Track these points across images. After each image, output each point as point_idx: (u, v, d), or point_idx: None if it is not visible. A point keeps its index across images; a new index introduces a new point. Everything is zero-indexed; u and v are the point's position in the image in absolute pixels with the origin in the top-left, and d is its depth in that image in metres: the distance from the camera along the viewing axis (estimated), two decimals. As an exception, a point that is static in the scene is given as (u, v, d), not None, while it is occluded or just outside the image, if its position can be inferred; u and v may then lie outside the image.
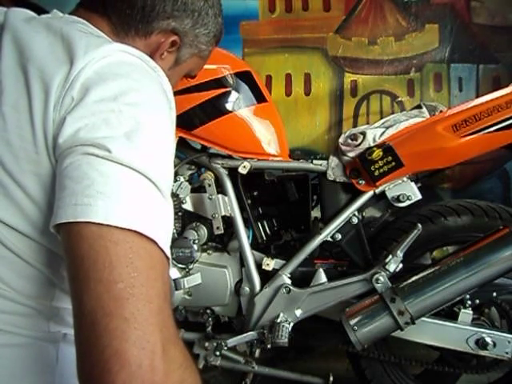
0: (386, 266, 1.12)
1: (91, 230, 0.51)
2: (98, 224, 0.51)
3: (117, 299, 0.49)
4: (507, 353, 1.13)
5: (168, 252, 0.56)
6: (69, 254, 0.53)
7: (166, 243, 0.56)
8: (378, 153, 1.15)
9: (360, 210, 1.24)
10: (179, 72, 0.86)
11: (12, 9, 0.70)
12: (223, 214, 1.26)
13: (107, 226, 0.51)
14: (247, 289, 1.26)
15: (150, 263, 0.53)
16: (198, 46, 0.83)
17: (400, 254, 1.11)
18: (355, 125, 1.86)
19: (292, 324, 1.19)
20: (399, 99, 1.84)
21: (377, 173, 1.15)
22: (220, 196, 1.27)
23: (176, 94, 0.81)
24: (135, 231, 0.52)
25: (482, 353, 1.14)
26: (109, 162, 0.54)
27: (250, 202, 1.31)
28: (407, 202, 1.20)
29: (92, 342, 0.48)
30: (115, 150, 0.54)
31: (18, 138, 0.57)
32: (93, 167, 0.53)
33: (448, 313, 1.18)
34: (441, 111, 1.27)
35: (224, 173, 1.28)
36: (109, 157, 0.54)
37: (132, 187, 0.54)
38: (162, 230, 0.56)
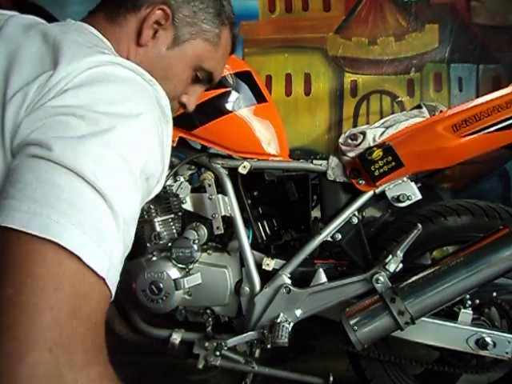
0: (386, 266, 1.12)
1: (9, 233, 0.47)
2: (14, 229, 0.47)
3: (0, 305, 0.45)
4: (507, 353, 1.13)
5: (97, 266, 0.49)
6: None
7: (93, 256, 0.49)
8: (378, 153, 1.15)
9: (360, 209, 1.24)
10: (182, 56, 0.80)
11: (16, 15, 0.70)
12: (223, 214, 1.26)
13: (18, 230, 0.47)
14: (247, 289, 1.26)
15: (52, 272, 0.47)
16: (198, 24, 0.79)
17: (400, 254, 1.11)
18: (355, 125, 1.86)
19: (292, 324, 1.19)
20: (399, 99, 1.84)
21: (377, 173, 1.15)
22: (220, 196, 1.27)
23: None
24: (48, 240, 0.47)
25: (482, 353, 1.14)
26: (47, 163, 0.49)
27: (249, 202, 1.31)
28: (407, 202, 1.20)
29: None
30: (59, 149, 0.49)
31: None
32: (31, 169, 0.49)
33: (448, 313, 1.18)
34: (441, 111, 1.27)
35: (224, 173, 1.28)
36: (49, 156, 0.49)
37: (67, 192, 0.49)
38: (91, 241, 0.49)
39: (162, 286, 1.19)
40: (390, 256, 1.12)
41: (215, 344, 1.25)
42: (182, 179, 1.28)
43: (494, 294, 1.19)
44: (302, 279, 1.24)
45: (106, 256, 0.50)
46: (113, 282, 0.52)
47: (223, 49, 0.87)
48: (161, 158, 0.62)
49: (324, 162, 1.25)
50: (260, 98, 1.30)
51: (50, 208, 0.48)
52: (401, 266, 1.13)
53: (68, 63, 0.56)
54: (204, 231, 1.27)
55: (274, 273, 1.24)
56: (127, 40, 0.75)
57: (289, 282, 1.23)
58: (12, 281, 0.46)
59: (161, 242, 1.24)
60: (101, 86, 0.56)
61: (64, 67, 0.55)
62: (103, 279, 0.50)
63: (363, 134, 1.20)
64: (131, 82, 0.60)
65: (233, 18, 0.87)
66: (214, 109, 1.24)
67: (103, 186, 0.50)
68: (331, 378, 1.28)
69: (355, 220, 1.23)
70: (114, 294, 0.53)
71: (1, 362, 0.43)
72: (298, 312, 1.20)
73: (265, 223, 1.35)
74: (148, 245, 1.25)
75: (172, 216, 1.27)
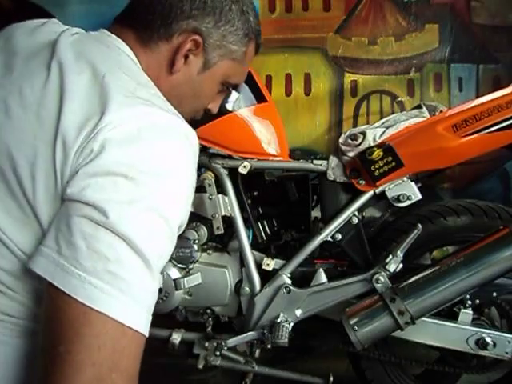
0: (386, 266, 1.12)
1: (55, 291, 0.54)
2: (62, 291, 0.54)
3: (52, 362, 0.52)
4: (507, 353, 1.13)
5: (136, 325, 0.56)
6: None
7: (133, 317, 0.56)
8: (378, 153, 1.15)
9: (360, 210, 1.24)
10: (211, 77, 0.83)
11: (65, 31, 0.72)
12: (223, 214, 1.26)
13: (68, 295, 0.54)
14: (247, 289, 1.26)
15: (97, 332, 0.53)
16: (226, 46, 0.81)
17: (400, 254, 1.11)
18: (355, 125, 1.85)
19: (292, 324, 1.19)
20: (399, 99, 1.84)
21: (377, 173, 1.15)
22: (220, 196, 1.27)
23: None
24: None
25: (482, 353, 1.14)
26: (100, 229, 0.55)
27: (250, 202, 1.31)
28: (407, 202, 1.20)
29: None
30: (114, 215, 0.55)
31: (43, 172, 0.59)
32: (82, 234, 0.55)
33: (448, 313, 1.18)
34: (441, 111, 1.27)
35: (224, 173, 1.28)
36: (104, 223, 0.55)
37: (114, 262, 0.55)
38: (132, 304, 0.56)
39: (162, 286, 1.19)
40: (390, 256, 1.12)
41: (215, 344, 1.25)
42: (182, 179, 1.28)
43: (494, 294, 1.19)
44: (302, 279, 1.24)
45: (144, 312, 0.57)
46: (148, 326, 0.58)
47: (248, 61, 0.90)
48: (190, 202, 0.70)
49: (324, 162, 1.25)
50: (260, 97, 1.30)
51: (96, 278, 0.54)
52: (401, 265, 1.12)
53: (116, 110, 0.59)
54: (204, 231, 1.27)
55: (274, 273, 1.24)
56: (158, 67, 0.77)
57: (289, 282, 1.23)
58: (63, 339, 0.53)
59: (161, 242, 1.23)
60: (145, 141, 0.60)
61: (111, 114, 0.58)
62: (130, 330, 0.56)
63: (363, 134, 1.20)
64: (172, 131, 0.63)
65: (258, 30, 0.88)
66: (214, 109, 1.24)
67: (147, 251, 0.57)
68: (331, 378, 1.28)
69: (355, 220, 1.23)
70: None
71: None
72: (298, 312, 1.20)
73: (265, 223, 1.35)
74: (148, 245, 1.25)
75: (172, 216, 1.27)
